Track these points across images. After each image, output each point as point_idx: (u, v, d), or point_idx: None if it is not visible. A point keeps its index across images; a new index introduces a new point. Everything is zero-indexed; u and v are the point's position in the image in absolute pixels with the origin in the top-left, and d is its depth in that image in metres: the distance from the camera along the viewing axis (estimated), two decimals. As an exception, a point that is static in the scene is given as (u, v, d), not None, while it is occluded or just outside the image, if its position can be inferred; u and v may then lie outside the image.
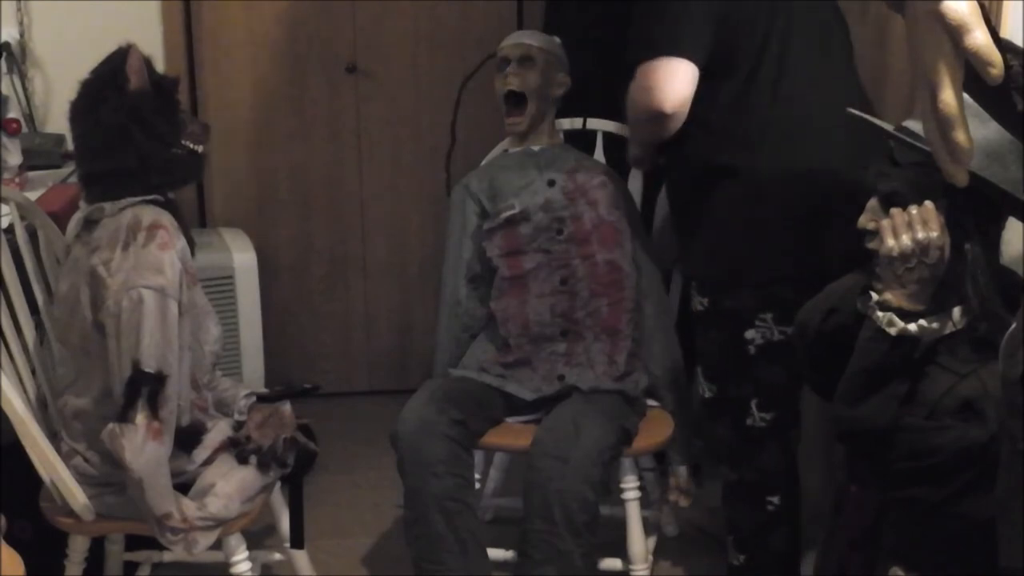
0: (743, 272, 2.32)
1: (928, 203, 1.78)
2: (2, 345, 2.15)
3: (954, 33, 0.98)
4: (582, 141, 2.82)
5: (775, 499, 2.44)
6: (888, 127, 1.84)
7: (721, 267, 2.36)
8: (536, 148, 2.68)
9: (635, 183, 2.83)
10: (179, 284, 2.08)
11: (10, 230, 2.30)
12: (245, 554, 2.25)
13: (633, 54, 2.29)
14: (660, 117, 2.26)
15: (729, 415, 2.42)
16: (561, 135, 2.76)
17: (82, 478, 2.14)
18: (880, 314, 1.82)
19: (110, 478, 2.13)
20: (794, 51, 2.29)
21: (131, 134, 2.09)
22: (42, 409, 2.26)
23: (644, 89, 2.26)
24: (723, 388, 2.41)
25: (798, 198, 2.26)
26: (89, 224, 2.14)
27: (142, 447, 2.02)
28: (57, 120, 3.33)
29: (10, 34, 3.36)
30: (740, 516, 2.49)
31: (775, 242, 2.29)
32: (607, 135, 2.87)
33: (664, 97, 2.24)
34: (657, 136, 2.36)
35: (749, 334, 2.32)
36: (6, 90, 3.31)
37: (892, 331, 1.81)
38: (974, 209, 1.80)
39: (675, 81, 2.23)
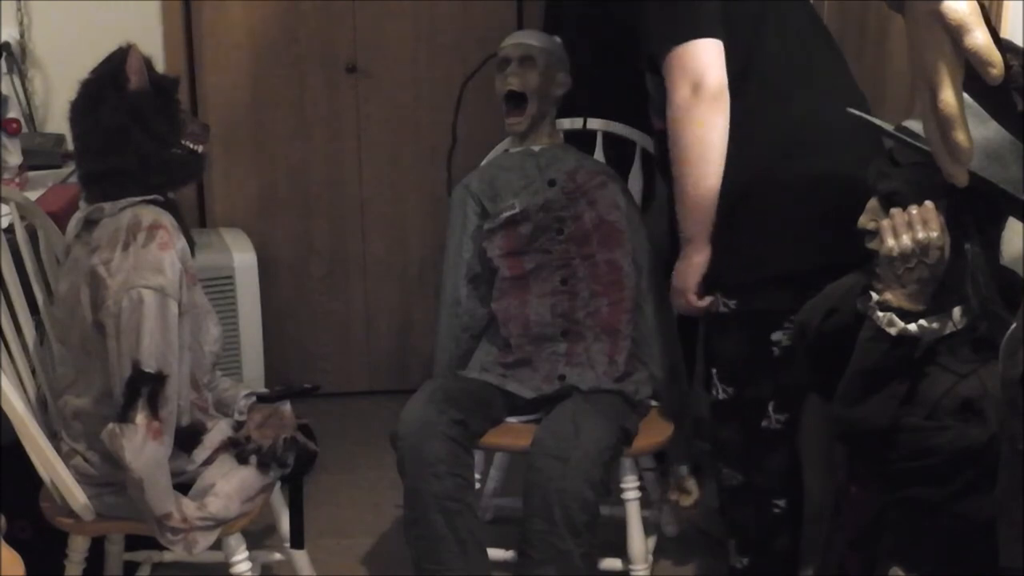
0: (776, 272, 2.26)
1: (928, 203, 1.78)
2: (2, 345, 2.15)
3: (954, 33, 0.98)
4: (582, 141, 2.82)
5: (781, 502, 2.43)
6: (888, 127, 1.84)
7: (754, 268, 2.30)
8: (536, 148, 2.68)
9: (635, 183, 2.83)
10: (179, 284, 2.07)
11: (10, 230, 2.30)
12: (245, 554, 2.25)
13: (656, 46, 2.19)
14: (718, 95, 2.15)
15: (743, 417, 2.39)
16: (561, 135, 2.76)
17: (82, 478, 2.14)
18: (880, 314, 1.82)
19: (110, 478, 2.13)
20: (794, 52, 2.26)
21: (131, 134, 2.09)
22: (42, 409, 2.26)
23: (689, 73, 2.14)
24: (741, 390, 2.38)
25: (832, 198, 2.21)
26: (89, 224, 2.14)
27: (142, 447, 2.02)
28: (57, 120, 3.33)
29: (10, 34, 3.36)
30: (744, 519, 2.47)
31: (810, 240, 2.24)
32: (607, 135, 2.87)
33: (715, 74, 2.14)
34: (721, 145, 2.19)
35: (776, 336, 2.28)
36: (6, 90, 3.31)
37: (892, 331, 1.81)
38: (974, 209, 1.80)
39: (719, 61, 2.15)
